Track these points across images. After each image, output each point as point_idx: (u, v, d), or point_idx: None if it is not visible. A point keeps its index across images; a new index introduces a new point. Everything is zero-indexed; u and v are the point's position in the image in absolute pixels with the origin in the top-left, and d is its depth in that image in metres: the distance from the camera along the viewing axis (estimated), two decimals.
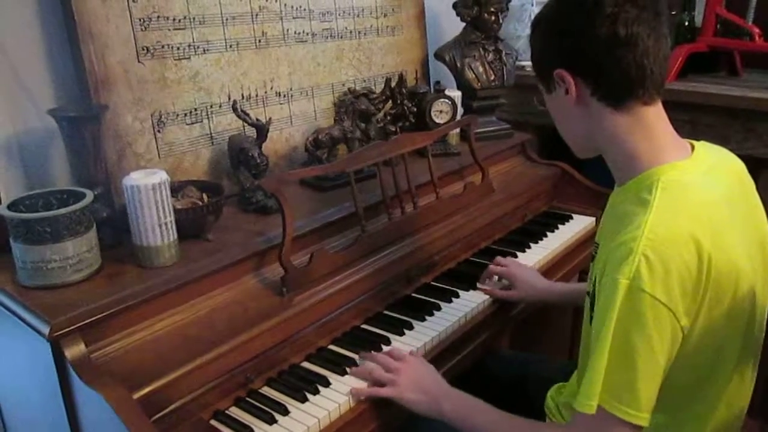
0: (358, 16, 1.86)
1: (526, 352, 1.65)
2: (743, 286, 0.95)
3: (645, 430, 0.92)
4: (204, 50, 1.50)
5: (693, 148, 1.03)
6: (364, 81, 1.89)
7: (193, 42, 1.48)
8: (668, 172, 0.96)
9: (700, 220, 0.91)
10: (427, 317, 1.40)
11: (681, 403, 1.00)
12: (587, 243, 1.84)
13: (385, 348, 1.29)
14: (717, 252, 0.90)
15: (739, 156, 1.10)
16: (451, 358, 1.37)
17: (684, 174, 0.96)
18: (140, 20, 1.37)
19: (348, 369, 1.23)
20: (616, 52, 0.93)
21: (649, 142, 0.98)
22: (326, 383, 1.19)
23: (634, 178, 0.99)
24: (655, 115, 0.99)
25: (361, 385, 1.19)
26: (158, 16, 1.41)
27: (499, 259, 1.57)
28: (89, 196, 1.14)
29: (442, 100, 1.85)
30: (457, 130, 1.93)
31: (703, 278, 0.90)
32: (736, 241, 0.96)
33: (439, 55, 2.04)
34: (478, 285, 1.53)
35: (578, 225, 1.90)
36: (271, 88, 1.65)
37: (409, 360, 1.22)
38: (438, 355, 1.33)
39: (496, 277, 1.54)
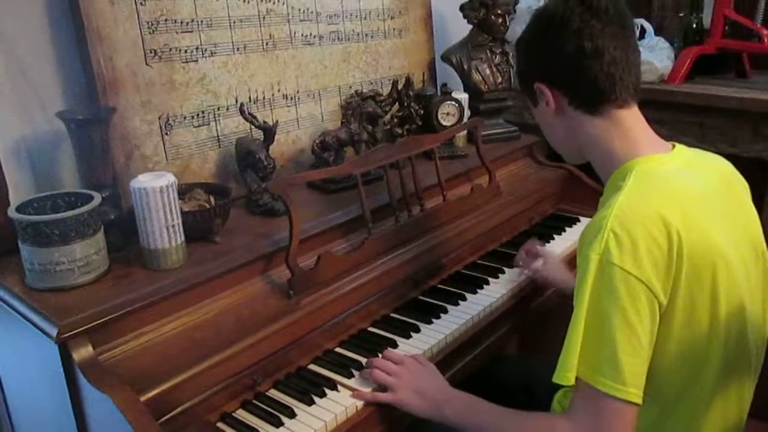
0: (365, 18, 1.86)
1: (533, 356, 1.64)
2: (723, 272, 0.96)
3: (639, 425, 0.93)
4: (211, 53, 1.50)
5: (674, 147, 1.07)
6: (371, 83, 1.89)
7: (201, 45, 1.48)
8: (643, 163, 1.00)
9: (670, 201, 0.94)
10: (434, 320, 1.40)
11: (674, 396, 1.00)
12: None
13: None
14: (688, 231, 0.92)
15: (748, 158, 1.10)
16: (459, 362, 1.37)
17: (659, 164, 1.01)
18: (148, 23, 1.38)
19: (355, 372, 1.22)
20: (584, 63, 1.00)
21: (627, 141, 1.03)
22: (333, 386, 1.19)
23: (613, 173, 1.04)
24: (632, 117, 1.04)
25: (366, 389, 1.18)
26: (166, 19, 1.41)
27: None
28: (97, 198, 1.15)
29: (449, 102, 1.84)
30: (464, 132, 1.93)
31: (674, 254, 0.91)
32: (720, 233, 0.97)
33: (446, 58, 2.04)
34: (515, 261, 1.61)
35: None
36: (278, 91, 1.66)
37: (408, 363, 1.22)
38: (445, 359, 1.33)
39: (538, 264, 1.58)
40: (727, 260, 0.96)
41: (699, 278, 0.94)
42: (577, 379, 0.93)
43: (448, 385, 1.20)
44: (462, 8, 1.98)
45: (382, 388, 1.18)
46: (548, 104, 1.06)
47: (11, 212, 1.10)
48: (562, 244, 1.79)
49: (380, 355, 1.26)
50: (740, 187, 1.09)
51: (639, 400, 0.90)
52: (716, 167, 1.08)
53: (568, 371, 0.93)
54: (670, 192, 0.96)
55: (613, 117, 1.03)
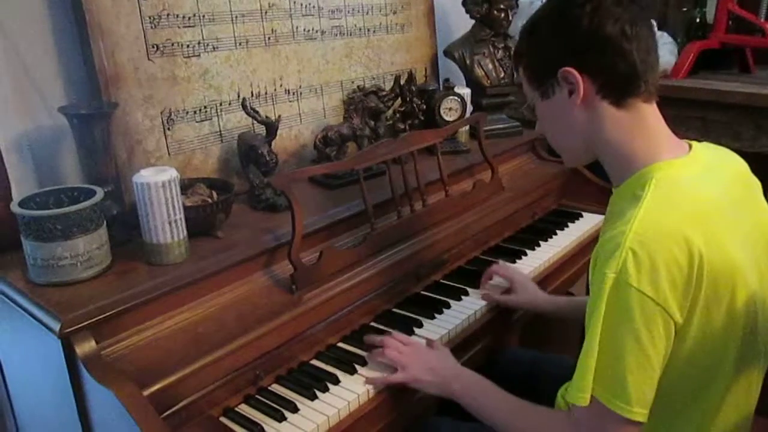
0: (367, 13, 1.85)
1: (537, 350, 1.64)
2: (742, 288, 0.94)
3: (649, 429, 0.92)
4: (214, 48, 1.50)
5: (691, 147, 1.03)
6: (374, 78, 1.89)
7: (203, 40, 1.48)
8: (663, 170, 0.96)
9: (692, 217, 0.91)
10: (436, 315, 1.40)
11: (680, 407, 0.99)
12: (596, 241, 1.83)
13: None
14: (710, 250, 0.89)
15: (752, 153, 1.09)
16: (461, 356, 1.36)
17: (679, 171, 0.97)
18: (150, 18, 1.38)
19: (357, 366, 1.23)
20: (624, 46, 0.95)
21: (647, 141, 0.99)
22: (336, 381, 1.19)
23: (630, 178, 0.99)
24: (653, 114, 1.00)
25: (373, 376, 1.19)
26: (168, 14, 1.41)
27: (500, 263, 1.56)
28: (99, 193, 1.14)
29: (451, 97, 1.84)
30: (467, 127, 1.92)
31: (694, 275, 0.89)
32: (736, 241, 0.94)
33: (448, 53, 2.03)
34: (480, 289, 1.51)
35: (588, 223, 1.89)
36: (281, 86, 1.65)
37: (416, 344, 1.25)
38: None
39: (498, 280, 1.53)
40: (745, 275, 0.94)
41: (717, 296, 0.92)
42: None
43: (457, 363, 1.22)
44: (464, 3, 1.97)
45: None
46: (576, 91, 0.98)
47: (14, 207, 1.10)
48: (564, 239, 1.79)
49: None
50: (755, 186, 1.07)
51: (644, 419, 0.90)
52: (732, 167, 1.06)
53: (583, 392, 0.92)
54: (691, 206, 0.92)
55: (638, 111, 0.98)
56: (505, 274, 1.51)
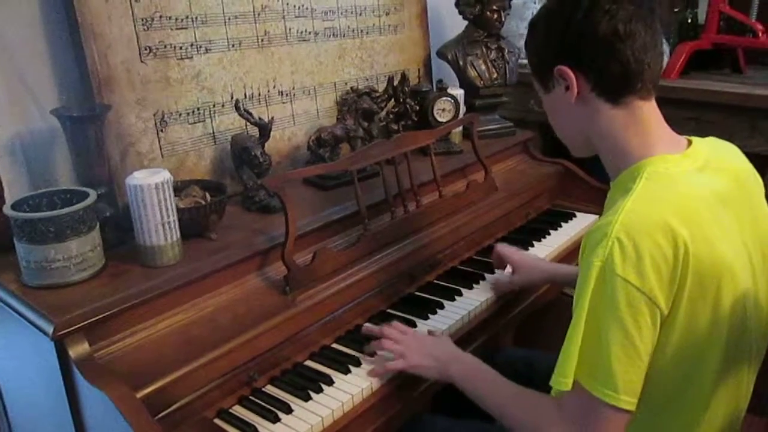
0: (360, 14, 1.86)
1: (531, 349, 1.65)
2: (729, 286, 0.94)
3: (636, 425, 0.93)
4: (206, 50, 1.50)
5: (690, 144, 1.03)
6: (367, 80, 1.89)
7: (196, 41, 1.48)
8: (656, 164, 0.97)
9: (680, 210, 0.91)
10: (430, 315, 1.40)
11: (666, 402, 0.99)
12: None
13: None
14: (696, 244, 0.90)
15: (746, 154, 1.09)
16: None
17: (672, 166, 0.97)
18: (143, 20, 1.38)
19: (351, 367, 1.23)
20: (616, 46, 0.95)
21: (643, 137, 1.00)
22: (330, 382, 1.19)
23: (624, 171, 1.00)
24: (650, 111, 1.01)
25: (366, 382, 1.19)
26: (161, 16, 1.41)
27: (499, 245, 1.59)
28: (92, 195, 1.14)
29: (444, 98, 1.84)
30: (460, 128, 1.93)
31: (680, 266, 0.89)
32: (727, 239, 0.95)
33: (441, 54, 2.04)
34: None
35: (581, 223, 1.90)
36: (274, 87, 1.65)
37: (413, 332, 1.27)
38: None
39: (508, 270, 1.55)
40: (733, 272, 0.94)
41: (703, 290, 0.92)
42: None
43: (457, 348, 1.24)
44: (457, 4, 1.97)
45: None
46: (569, 89, 1.00)
47: (6, 209, 1.10)
48: (558, 239, 1.79)
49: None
50: (756, 184, 1.07)
51: (632, 407, 0.91)
52: (731, 164, 1.06)
53: (566, 377, 0.93)
54: (680, 200, 0.93)
55: (634, 108, 0.99)
56: (505, 255, 1.54)
